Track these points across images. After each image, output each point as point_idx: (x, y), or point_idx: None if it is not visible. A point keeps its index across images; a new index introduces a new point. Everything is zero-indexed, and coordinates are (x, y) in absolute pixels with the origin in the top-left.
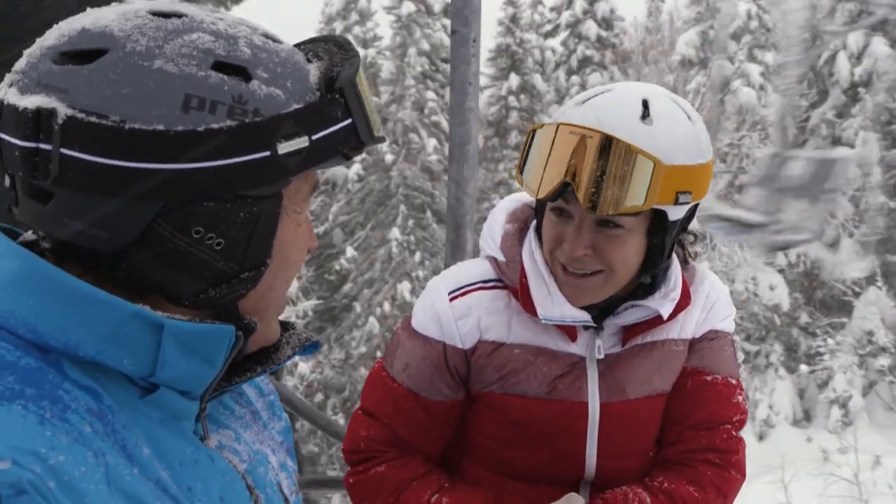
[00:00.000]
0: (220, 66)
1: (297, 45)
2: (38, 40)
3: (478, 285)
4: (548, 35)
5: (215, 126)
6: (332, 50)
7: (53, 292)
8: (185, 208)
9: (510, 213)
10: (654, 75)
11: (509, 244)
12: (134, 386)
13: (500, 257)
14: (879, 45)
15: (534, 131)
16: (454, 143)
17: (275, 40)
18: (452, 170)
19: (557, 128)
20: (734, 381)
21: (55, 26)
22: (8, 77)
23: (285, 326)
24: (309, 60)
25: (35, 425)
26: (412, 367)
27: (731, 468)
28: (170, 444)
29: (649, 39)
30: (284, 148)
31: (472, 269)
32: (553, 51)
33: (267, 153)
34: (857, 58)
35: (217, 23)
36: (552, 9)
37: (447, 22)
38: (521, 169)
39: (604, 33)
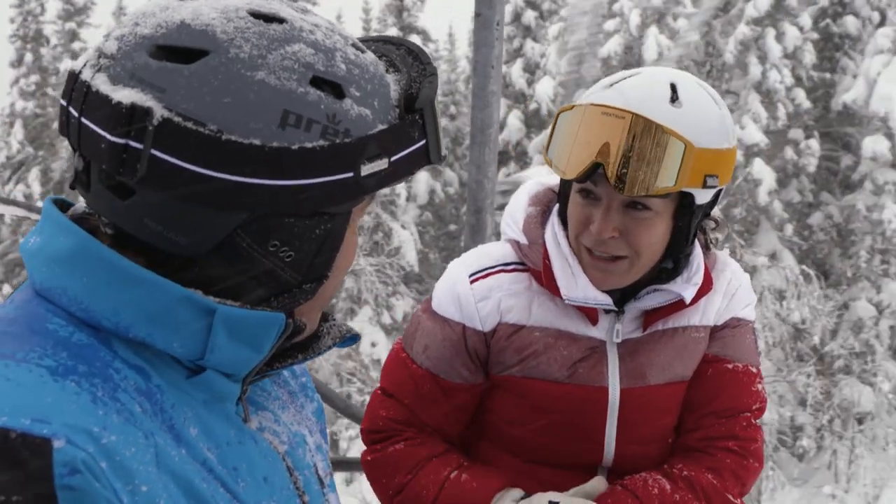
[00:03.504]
0: (318, 81)
1: (367, 41)
2: (129, 24)
3: (499, 268)
4: None
5: (308, 145)
6: (407, 60)
7: (107, 273)
8: (267, 222)
9: (533, 196)
10: None
11: (532, 227)
12: (180, 367)
13: (523, 240)
14: (514, 118)
15: (561, 113)
16: (475, 127)
17: (362, 51)
18: (473, 153)
19: (586, 109)
20: (755, 370)
21: (149, 12)
22: (93, 58)
23: (324, 317)
24: (386, 70)
25: (88, 403)
26: (432, 349)
27: (749, 456)
28: (215, 425)
29: None
30: (367, 170)
31: (493, 251)
32: None
33: (351, 174)
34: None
35: (314, 31)
36: None
37: None
38: (548, 150)
39: None
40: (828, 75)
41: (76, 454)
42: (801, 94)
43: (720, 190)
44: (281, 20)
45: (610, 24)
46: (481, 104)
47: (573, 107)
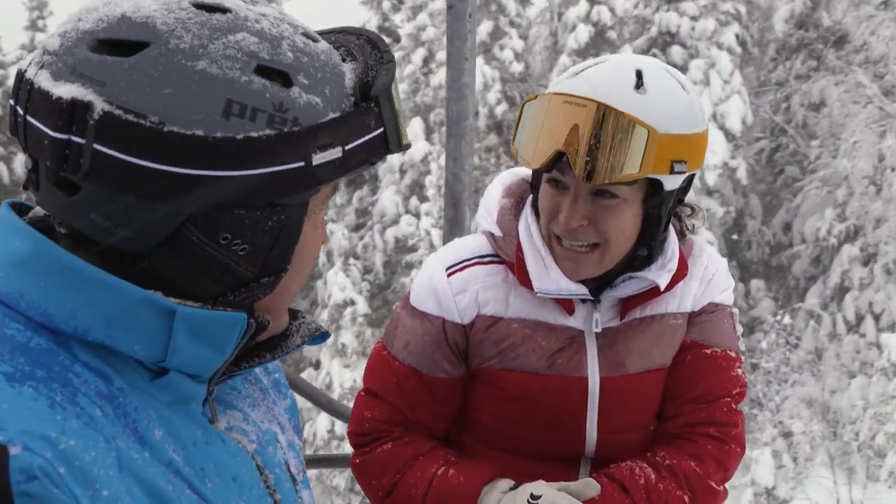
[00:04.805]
0: (263, 70)
1: (328, 33)
2: (72, 20)
3: (475, 260)
4: None
5: (254, 135)
6: (365, 49)
7: (64, 276)
8: (215, 214)
9: (506, 188)
10: None
11: (506, 218)
12: (144, 369)
13: (497, 232)
14: None
15: (526, 103)
16: (451, 120)
17: (314, 40)
18: (450, 146)
19: (551, 98)
20: (733, 354)
21: (92, 8)
22: (38, 56)
23: (294, 315)
24: (343, 58)
25: (46, 409)
26: (413, 345)
27: (730, 441)
28: (181, 426)
29: None
30: (319, 159)
31: (469, 244)
32: None
33: (302, 164)
34: None
35: (261, 20)
36: None
37: None
38: (514, 141)
39: None
40: None
41: (33, 460)
42: None
43: (692, 175)
44: (225, 10)
45: (442, 55)
46: (456, 96)
47: (537, 96)
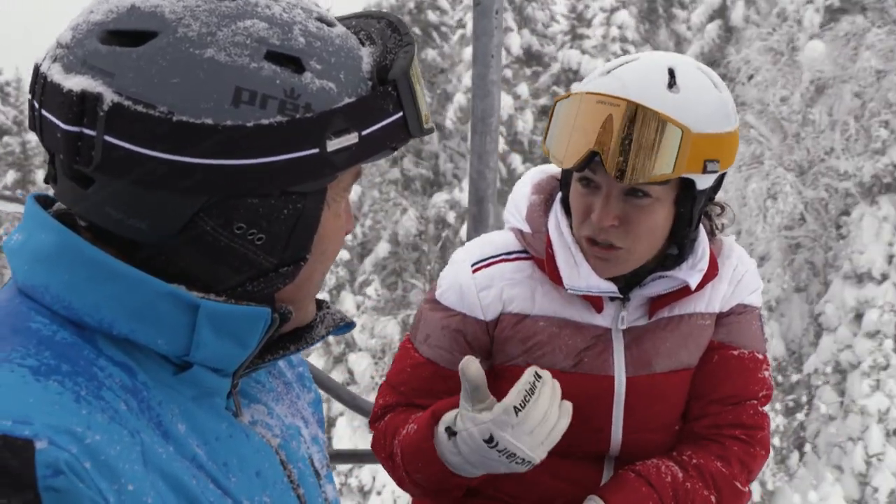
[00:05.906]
0: (273, 56)
1: (348, 19)
2: (84, 13)
3: (501, 257)
4: None
5: (265, 122)
6: (385, 33)
7: (87, 269)
8: (229, 203)
9: (536, 185)
10: None
11: (535, 215)
12: (167, 363)
13: (526, 228)
14: None
15: (558, 101)
16: (476, 117)
17: (329, 24)
18: (475, 143)
19: (582, 97)
20: (761, 356)
21: None
22: (51, 50)
23: (319, 305)
24: (362, 43)
25: (71, 403)
26: (432, 338)
27: (756, 444)
28: (205, 421)
29: None
30: (334, 145)
31: (496, 240)
32: None
33: (316, 150)
34: None
35: (272, 6)
36: None
37: None
38: (546, 140)
39: None
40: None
41: (59, 455)
42: (517, 159)
43: (723, 174)
44: None
45: None
46: (482, 93)
47: (570, 95)
